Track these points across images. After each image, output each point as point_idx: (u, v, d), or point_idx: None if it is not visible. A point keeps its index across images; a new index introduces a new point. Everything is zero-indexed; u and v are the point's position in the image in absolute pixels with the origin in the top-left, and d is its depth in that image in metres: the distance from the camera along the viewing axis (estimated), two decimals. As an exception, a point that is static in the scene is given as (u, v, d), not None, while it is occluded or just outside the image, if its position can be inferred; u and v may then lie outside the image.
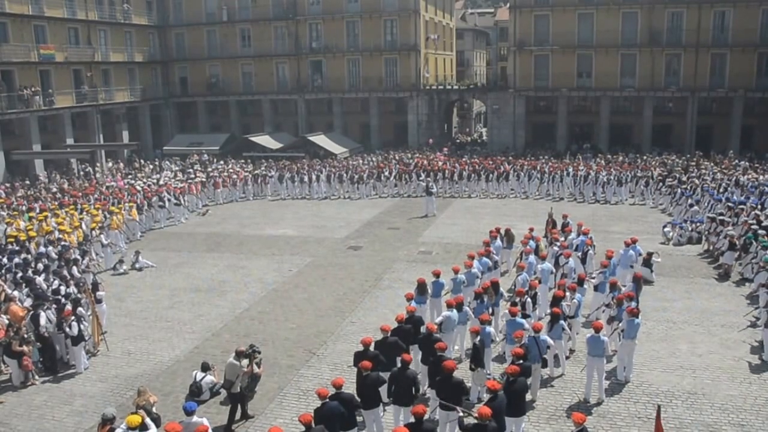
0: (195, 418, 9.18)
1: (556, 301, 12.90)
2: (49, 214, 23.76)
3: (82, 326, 13.39)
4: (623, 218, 26.24)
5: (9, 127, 37.31)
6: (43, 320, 13.45)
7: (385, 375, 10.38)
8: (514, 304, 13.06)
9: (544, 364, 11.60)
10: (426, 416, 8.89)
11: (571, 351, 13.25)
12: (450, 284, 14.87)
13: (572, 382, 12.16)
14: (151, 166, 40.08)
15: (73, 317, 13.32)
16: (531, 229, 19.15)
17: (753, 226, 19.10)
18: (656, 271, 18.03)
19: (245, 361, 11.23)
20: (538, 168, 32.69)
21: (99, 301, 14.88)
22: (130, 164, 41.06)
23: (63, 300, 14.31)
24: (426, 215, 27.44)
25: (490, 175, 32.05)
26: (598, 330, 11.28)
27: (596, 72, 42.58)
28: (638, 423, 10.80)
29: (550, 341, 11.53)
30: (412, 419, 10.02)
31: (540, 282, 15.12)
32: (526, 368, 10.34)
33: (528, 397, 11.38)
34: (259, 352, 11.91)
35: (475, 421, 8.44)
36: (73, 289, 15.64)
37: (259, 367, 11.67)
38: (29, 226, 22.15)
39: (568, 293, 13.37)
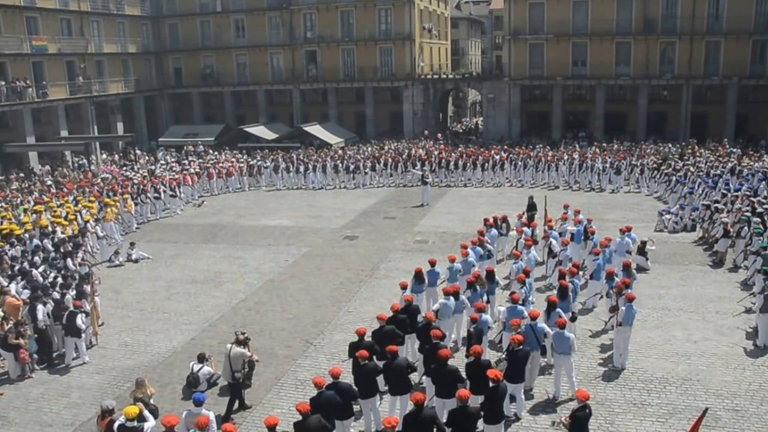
0: (203, 410, 9.19)
1: (561, 291, 12.88)
2: (44, 207, 23.65)
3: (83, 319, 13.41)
4: (618, 206, 26.30)
5: (3, 119, 37.16)
6: (40, 313, 13.44)
7: (382, 364, 10.41)
8: (513, 291, 13.10)
9: (543, 352, 11.64)
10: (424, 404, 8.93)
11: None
12: (446, 273, 14.90)
13: (568, 369, 12.21)
14: (147, 158, 39.93)
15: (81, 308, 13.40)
16: (520, 216, 19.33)
17: (746, 213, 19.17)
18: (651, 258, 18.10)
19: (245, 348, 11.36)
20: (534, 156, 32.69)
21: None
22: (125, 156, 40.89)
23: (60, 293, 14.30)
24: (422, 204, 27.47)
25: (486, 164, 32.05)
26: (562, 327, 11.08)
27: (591, 60, 42.49)
28: (634, 409, 10.88)
29: (547, 329, 11.55)
30: (409, 407, 10.14)
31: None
32: (524, 354, 10.42)
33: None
34: (249, 339, 11.93)
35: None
36: (73, 281, 15.59)
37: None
38: (26, 219, 22.08)
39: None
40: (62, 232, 20.13)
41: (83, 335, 13.44)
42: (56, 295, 14.22)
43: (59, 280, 15.36)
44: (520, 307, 12.12)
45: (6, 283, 15.34)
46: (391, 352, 10.18)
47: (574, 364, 11.47)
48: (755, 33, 39.25)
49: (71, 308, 13.40)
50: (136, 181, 29.34)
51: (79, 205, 24.23)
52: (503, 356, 10.17)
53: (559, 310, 12.20)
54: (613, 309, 12.95)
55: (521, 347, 10.37)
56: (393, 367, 10.13)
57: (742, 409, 10.79)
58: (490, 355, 12.54)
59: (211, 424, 8.99)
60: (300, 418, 8.59)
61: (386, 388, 10.55)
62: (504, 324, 12.46)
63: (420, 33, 47.19)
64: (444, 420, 9.32)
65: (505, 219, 19.53)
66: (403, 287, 13.21)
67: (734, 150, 33.21)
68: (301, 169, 33.22)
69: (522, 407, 10.74)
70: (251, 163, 35.13)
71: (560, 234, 17.94)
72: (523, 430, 10.45)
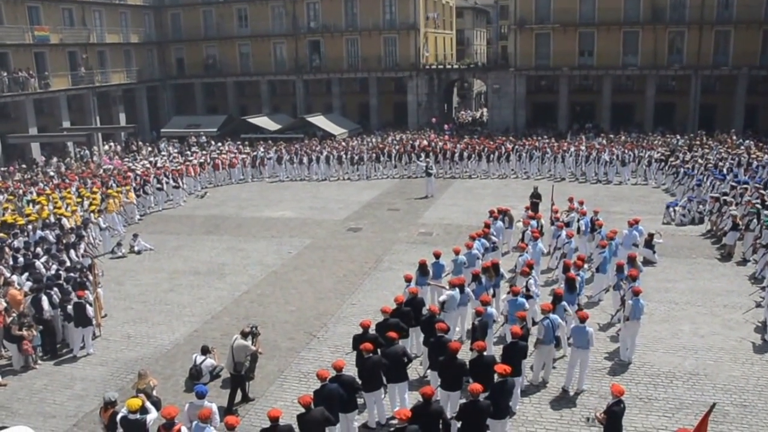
0: (206, 402, 9.13)
1: (569, 283, 12.73)
2: (47, 198, 23.57)
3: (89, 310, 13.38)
4: (625, 198, 26.08)
5: (5, 110, 37.10)
6: (45, 304, 13.40)
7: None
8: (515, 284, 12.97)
9: (558, 344, 11.48)
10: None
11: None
12: (451, 265, 14.77)
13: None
14: (149, 149, 39.81)
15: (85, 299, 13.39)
16: (527, 208, 19.18)
17: (756, 205, 18.94)
18: (659, 251, 17.91)
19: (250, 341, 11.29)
20: (539, 148, 32.42)
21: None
22: (127, 147, 40.79)
23: (64, 284, 14.25)
24: (426, 196, 27.29)
25: (491, 156, 31.81)
26: (583, 320, 10.91)
27: (598, 50, 42.06)
28: (640, 404, 10.75)
29: (560, 321, 11.39)
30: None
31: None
32: (522, 347, 10.32)
33: (540, 377, 11.45)
34: (259, 333, 11.98)
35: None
36: (75, 273, 15.51)
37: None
38: (28, 210, 22.02)
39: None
40: (66, 221, 20.06)
41: (93, 324, 13.45)
42: (65, 285, 14.17)
43: (62, 272, 15.30)
44: (520, 300, 11.97)
45: (9, 274, 15.28)
46: (390, 338, 10.14)
47: (590, 359, 11.33)
48: (766, 22, 38.69)
49: (75, 299, 13.35)
50: (138, 172, 29.25)
51: (81, 197, 24.17)
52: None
53: (564, 303, 12.07)
54: (623, 301, 12.81)
55: (518, 340, 10.27)
56: (388, 352, 10.06)
57: (750, 405, 10.65)
58: (494, 350, 12.45)
59: (214, 416, 8.95)
60: (303, 410, 8.52)
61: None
62: (506, 317, 12.35)
63: (425, 23, 46.82)
64: (454, 414, 9.22)
65: (507, 212, 19.30)
66: (408, 280, 13.09)
67: (743, 142, 32.80)
68: (305, 160, 33.05)
69: (516, 402, 10.56)
70: (254, 154, 34.97)
71: (567, 224, 17.76)
72: (528, 425, 10.33)
